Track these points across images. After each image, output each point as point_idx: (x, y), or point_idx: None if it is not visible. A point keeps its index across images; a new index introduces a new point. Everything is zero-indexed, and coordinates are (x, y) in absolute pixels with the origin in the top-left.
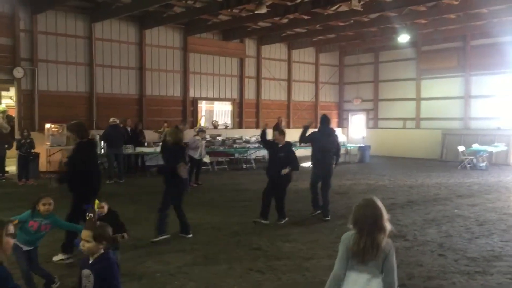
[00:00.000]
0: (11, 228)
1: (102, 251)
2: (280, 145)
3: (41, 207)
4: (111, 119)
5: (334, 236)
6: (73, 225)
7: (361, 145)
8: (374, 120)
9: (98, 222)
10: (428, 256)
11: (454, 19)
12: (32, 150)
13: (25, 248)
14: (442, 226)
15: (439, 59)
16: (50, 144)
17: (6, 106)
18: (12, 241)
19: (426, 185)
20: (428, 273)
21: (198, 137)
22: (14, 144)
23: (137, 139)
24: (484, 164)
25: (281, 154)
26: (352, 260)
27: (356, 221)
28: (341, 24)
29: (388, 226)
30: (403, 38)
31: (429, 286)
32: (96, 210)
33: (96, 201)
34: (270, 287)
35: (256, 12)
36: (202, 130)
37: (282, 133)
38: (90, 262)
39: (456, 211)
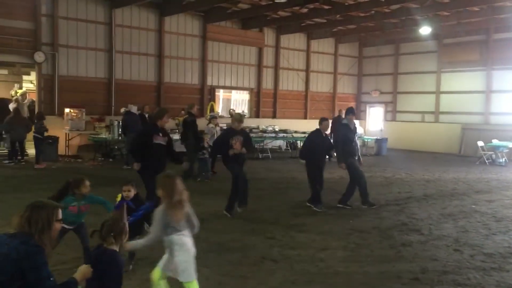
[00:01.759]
0: (59, 214)
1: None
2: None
3: (83, 190)
4: (122, 109)
5: (349, 227)
6: (106, 201)
7: (378, 138)
8: (392, 113)
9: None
10: (443, 251)
11: (478, 11)
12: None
13: (69, 227)
14: (459, 221)
15: (460, 52)
16: (69, 129)
17: (26, 89)
18: (59, 226)
19: (444, 180)
20: (443, 267)
21: (211, 125)
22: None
23: None
24: (503, 160)
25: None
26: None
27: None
28: (362, 14)
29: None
30: (425, 30)
31: (443, 281)
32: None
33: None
34: (283, 276)
35: (276, 1)
36: (214, 117)
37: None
38: None
39: (473, 206)
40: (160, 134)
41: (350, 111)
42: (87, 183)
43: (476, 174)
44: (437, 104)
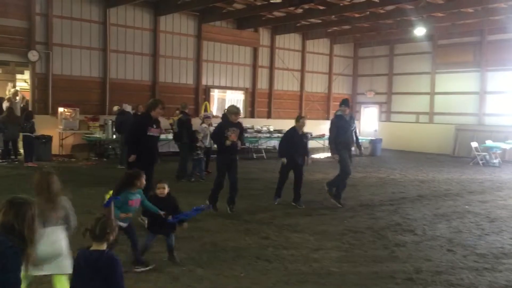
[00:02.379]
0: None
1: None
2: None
3: (139, 184)
4: (115, 108)
5: (342, 228)
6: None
7: (372, 138)
8: (386, 114)
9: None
10: (437, 251)
11: (472, 13)
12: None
13: (124, 224)
14: (452, 222)
15: (455, 54)
16: (63, 128)
17: (20, 88)
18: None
19: (437, 180)
20: (437, 268)
21: (204, 124)
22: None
23: None
24: (497, 160)
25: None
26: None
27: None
28: (357, 15)
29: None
30: (419, 31)
31: (437, 281)
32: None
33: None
34: (277, 276)
35: (271, 1)
36: (207, 117)
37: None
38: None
39: (466, 207)
40: (154, 126)
41: (343, 102)
42: (144, 176)
43: (470, 175)
44: (432, 105)
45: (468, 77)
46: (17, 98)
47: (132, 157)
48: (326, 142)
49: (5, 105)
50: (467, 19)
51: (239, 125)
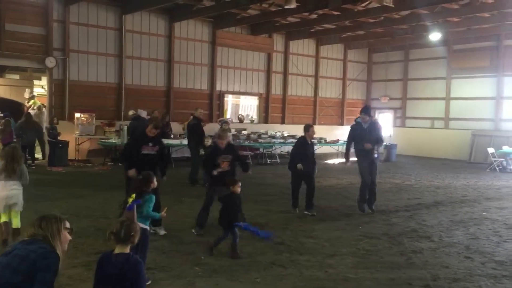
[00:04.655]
0: (67, 223)
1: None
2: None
3: (152, 185)
4: (130, 112)
5: (358, 234)
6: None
7: (387, 144)
8: (401, 119)
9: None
10: (454, 258)
11: (488, 17)
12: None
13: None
14: (469, 228)
15: (471, 59)
16: (79, 133)
17: (37, 94)
18: (68, 236)
19: (454, 186)
20: (454, 275)
21: None
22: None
23: (163, 131)
24: None
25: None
26: None
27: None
28: (371, 20)
29: None
30: (435, 36)
31: None
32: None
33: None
34: (292, 281)
35: (285, 7)
36: (225, 122)
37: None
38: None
39: (484, 213)
40: (150, 144)
41: (362, 110)
42: (154, 177)
43: (487, 181)
44: (447, 110)
45: (485, 82)
46: (35, 110)
47: (131, 171)
48: (340, 148)
49: (33, 112)
50: (483, 24)
51: (232, 150)
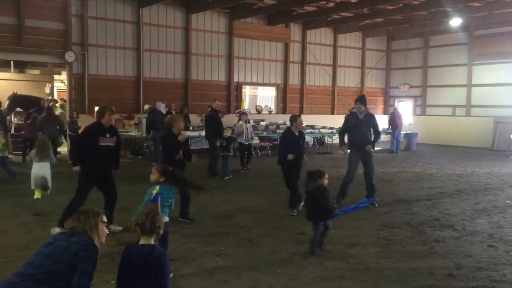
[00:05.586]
0: (104, 218)
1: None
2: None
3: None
4: (146, 106)
5: (379, 223)
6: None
7: (407, 132)
8: (421, 107)
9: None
10: (478, 247)
11: (510, 2)
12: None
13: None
14: (493, 217)
15: (492, 44)
16: None
17: (57, 88)
18: (105, 229)
19: (476, 175)
20: (478, 263)
21: (241, 122)
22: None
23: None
24: None
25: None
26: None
27: None
28: (390, 7)
29: None
30: (455, 22)
31: (478, 277)
32: None
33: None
34: (314, 272)
35: None
36: (243, 113)
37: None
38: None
39: (507, 201)
40: (107, 135)
41: (358, 99)
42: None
43: (510, 168)
44: (469, 97)
45: (507, 68)
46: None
47: (76, 168)
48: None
49: (58, 111)
50: (505, 9)
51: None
